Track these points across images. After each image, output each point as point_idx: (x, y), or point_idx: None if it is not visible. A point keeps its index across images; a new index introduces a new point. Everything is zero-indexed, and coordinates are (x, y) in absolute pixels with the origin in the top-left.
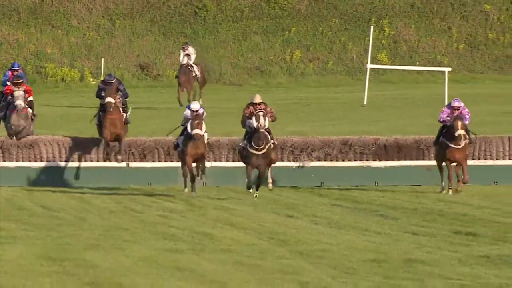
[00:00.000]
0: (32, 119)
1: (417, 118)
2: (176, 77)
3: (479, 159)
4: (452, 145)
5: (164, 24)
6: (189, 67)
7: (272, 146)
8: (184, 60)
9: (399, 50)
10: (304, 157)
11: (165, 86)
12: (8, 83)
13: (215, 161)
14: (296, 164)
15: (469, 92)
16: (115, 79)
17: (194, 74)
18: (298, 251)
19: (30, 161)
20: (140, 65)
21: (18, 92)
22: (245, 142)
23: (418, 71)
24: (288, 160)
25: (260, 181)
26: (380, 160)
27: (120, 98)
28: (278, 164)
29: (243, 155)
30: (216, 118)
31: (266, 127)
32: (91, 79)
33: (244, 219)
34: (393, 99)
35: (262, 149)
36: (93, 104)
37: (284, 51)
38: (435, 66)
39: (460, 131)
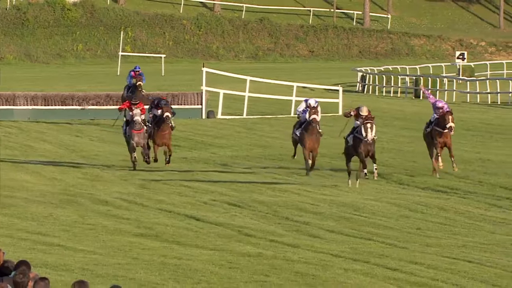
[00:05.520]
0: (149, 136)
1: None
2: None
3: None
4: (445, 131)
5: (4, 29)
6: None
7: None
8: None
9: (138, 43)
10: (85, 104)
11: (5, 64)
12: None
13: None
14: (81, 107)
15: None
16: (167, 103)
17: None
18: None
19: None
20: None
21: (136, 111)
22: (351, 136)
23: (147, 56)
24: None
25: (364, 166)
26: None
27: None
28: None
29: (348, 146)
30: (35, 82)
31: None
32: None
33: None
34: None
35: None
36: None
37: (73, 44)
38: (156, 53)
39: (451, 124)
